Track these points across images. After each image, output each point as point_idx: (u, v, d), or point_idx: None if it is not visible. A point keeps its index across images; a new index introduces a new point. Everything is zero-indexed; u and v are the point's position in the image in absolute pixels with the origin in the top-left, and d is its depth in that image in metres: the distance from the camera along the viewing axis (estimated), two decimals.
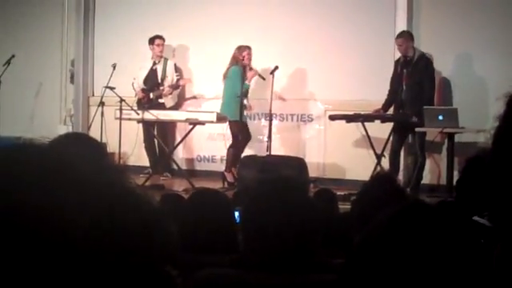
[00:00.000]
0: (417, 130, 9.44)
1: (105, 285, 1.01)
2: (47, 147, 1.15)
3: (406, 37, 9.67)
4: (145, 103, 10.85)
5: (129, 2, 12.27)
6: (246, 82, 10.34)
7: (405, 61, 9.68)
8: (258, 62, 10.84)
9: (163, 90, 11.09)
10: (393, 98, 9.86)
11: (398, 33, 9.99)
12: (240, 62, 10.36)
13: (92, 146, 2.50)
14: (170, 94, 11.20)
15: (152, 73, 11.23)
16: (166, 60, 11.30)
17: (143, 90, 11.08)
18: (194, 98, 11.75)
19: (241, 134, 10.36)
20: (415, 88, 9.53)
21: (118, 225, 1.04)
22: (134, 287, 1.05)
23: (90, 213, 1.02)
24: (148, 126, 10.78)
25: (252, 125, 11.08)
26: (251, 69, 10.40)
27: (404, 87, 9.68)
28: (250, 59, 10.41)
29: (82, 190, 1.03)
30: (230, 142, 10.72)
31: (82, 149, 2.27)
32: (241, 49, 10.41)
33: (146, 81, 11.19)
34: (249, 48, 10.43)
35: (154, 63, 11.25)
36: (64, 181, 1.04)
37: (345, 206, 6.37)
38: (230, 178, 10.29)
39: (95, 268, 1.00)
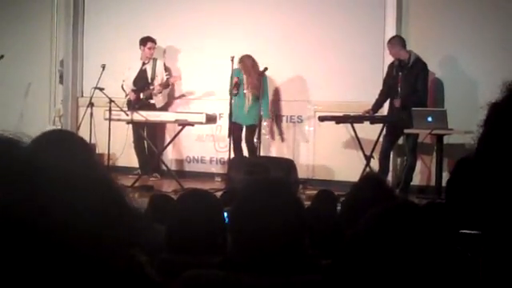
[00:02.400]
0: (406, 131, 9.46)
1: (86, 280, 1.01)
2: (34, 145, 1.14)
3: (392, 42, 9.71)
4: (135, 103, 10.83)
5: (118, 3, 12.25)
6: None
7: (400, 64, 9.71)
8: None
9: (153, 89, 11.07)
10: (383, 99, 9.89)
11: (386, 35, 10.06)
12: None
13: (77, 143, 2.48)
14: (160, 92, 11.17)
15: (142, 73, 11.21)
16: (155, 60, 11.28)
17: (134, 91, 11.05)
18: (183, 95, 11.72)
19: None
20: (410, 91, 9.57)
21: (104, 222, 1.04)
22: (115, 283, 1.04)
23: (77, 211, 1.01)
24: (137, 126, 10.76)
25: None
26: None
27: (399, 90, 9.70)
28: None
29: (68, 189, 1.03)
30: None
31: (66, 146, 2.26)
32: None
33: (135, 81, 11.16)
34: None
35: (144, 63, 11.23)
36: (51, 179, 1.03)
37: (338, 208, 6.39)
38: None
39: (79, 264, 1.00)
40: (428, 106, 9.84)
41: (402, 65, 9.68)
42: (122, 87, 11.17)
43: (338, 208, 6.20)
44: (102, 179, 1.13)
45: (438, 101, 10.19)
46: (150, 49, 11.14)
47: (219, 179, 10.87)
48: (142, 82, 11.16)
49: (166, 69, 11.46)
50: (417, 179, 10.06)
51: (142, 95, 11.03)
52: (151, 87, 11.10)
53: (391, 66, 9.87)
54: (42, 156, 1.08)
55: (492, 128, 1.25)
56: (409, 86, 9.58)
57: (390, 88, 9.78)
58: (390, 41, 9.77)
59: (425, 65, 9.65)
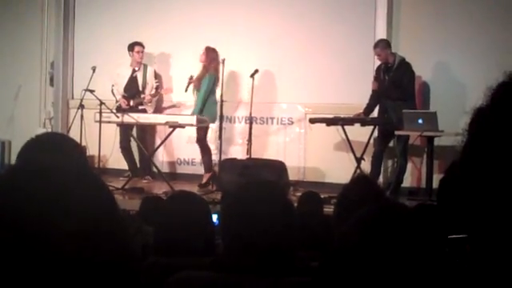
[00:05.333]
0: (397, 133, 9.48)
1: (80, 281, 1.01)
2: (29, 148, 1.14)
3: (382, 46, 9.72)
4: (125, 110, 10.79)
5: (109, 5, 12.23)
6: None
7: (386, 67, 9.73)
8: (239, 66, 10.87)
9: (144, 98, 11.03)
10: (374, 102, 9.90)
11: (377, 36, 10.07)
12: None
13: (71, 145, 2.46)
14: (150, 102, 11.14)
15: (132, 80, 11.14)
16: (145, 66, 11.22)
17: (124, 98, 11.00)
18: (174, 106, 11.69)
19: None
20: (394, 87, 9.61)
21: (102, 229, 1.04)
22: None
23: (75, 218, 1.02)
24: (127, 129, 10.73)
25: (232, 128, 11.14)
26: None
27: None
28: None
29: (64, 190, 1.03)
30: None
31: (61, 148, 2.25)
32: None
33: (126, 88, 11.11)
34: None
35: (134, 70, 11.17)
36: (50, 187, 1.03)
37: (325, 209, 6.40)
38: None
39: (74, 265, 1.00)
40: (417, 107, 9.87)
41: (389, 67, 9.71)
42: (112, 92, 11.13)
43: (326, 210, 6.24)
44: (96, 182, 1.13)
45: (426, 103, 10.22)
46: (138, 52, 11.07)
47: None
48: (132, 89, 11.11)
49: (156, 76, 11.40)
50: (407, 181, 10.09)
51: (132, 102, 10.97)
52: (142, 96, 11.05)
53: (378, 69, 9.90)
54: (36, 158, 1.08)
55: (476, 135, 1.26)
56: (395, 86, 9.61)
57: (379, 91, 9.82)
58: (379, 45, 9.75)
59: (409, 65, 9.69)
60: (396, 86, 9.56)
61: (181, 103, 11.62)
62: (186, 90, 10.52)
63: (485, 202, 1.20)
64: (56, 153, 2.15)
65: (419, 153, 10.12)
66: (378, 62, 10.00)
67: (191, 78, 10.53)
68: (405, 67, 9.63)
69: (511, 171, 1.18)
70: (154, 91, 11.11)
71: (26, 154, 2.16)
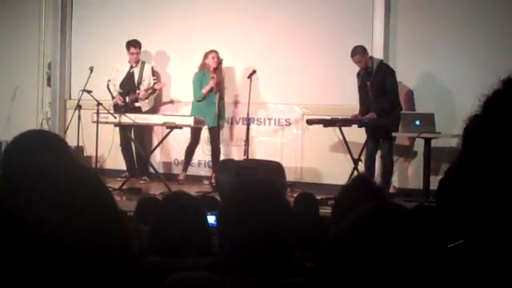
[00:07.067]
0: (395, 135, 9.50)
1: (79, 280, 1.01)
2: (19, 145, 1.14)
3: (361, 52, 9.69)
4: (121, 107, 10.79)
5: (107, 5, 12.22)
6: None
7: (366, 72, 9.74)
8: (236, 66, 10.87)
9: (139, 94, 11.02)
10: (366, 107, 9.91)
11: (374, 37, 10.10)
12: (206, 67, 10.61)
13: (58, 142, 2.44)
14: (146, 98, 11.12)
15: (129, 76, 11.15)
16: (143, 63, 11.22)
17: (120, 94, 11.00)
18: (171, 102, 11.71)
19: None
20: (380, 95, 9.62)
21: (98, 220, 1.04)
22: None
23: (75, 215, 1.02)
24: (125, 129, 10.72)
25: (230, 129, 11.12)
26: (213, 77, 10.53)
27: (371, 98, 9.73)
28: (214, 63, 10.57)
29: (59, 187, 1.03)
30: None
31: (50, 145, 2.25)
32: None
33: (122, 84, 11.11)
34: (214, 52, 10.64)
35: (131, 67, 11.17)
36: (49, 185, 1.03)
37: (322, 210, 6.40)
38: None
39: (77, 268, 1.00)
40: (409, 109, 9.93)
41: (368, 73, 9.71)
42: (108, 87, 11.11)
43: (322, 211, 6.24)
44: (95, 180, 1.13)
45: (424, 102, 10.23)
46: (132, 54, 11.06)
47: (207, 182, 10.86)
48: (128, 85, 11.10)
49: (154, 73, 11.40)
50: (403, 182, 10.13)
51: (127, 99, 10.97)
52: (137, 91, 11.05)
53: (358, 76, 9.89)
54: (30, 156, 1.07)
55: (471, 141, 1.26)
56: (378, 90, 9.62)
57: (364, 98, 9.81)
58: (357, 52, 9.67)
59: (387, 66, 9.71)
60: (382, 93, 9.56)
61: (178, 100, 11.64)
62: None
63: (481, 207, 1.20)
64: (46, 150, 2.14)
65: (413, 154, 10.18)
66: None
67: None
68: (384, 69, 9.66)
69: (506, 177, 1.18)
70: (151, 88, 11.09)
71: (14, 154, 2.14)
